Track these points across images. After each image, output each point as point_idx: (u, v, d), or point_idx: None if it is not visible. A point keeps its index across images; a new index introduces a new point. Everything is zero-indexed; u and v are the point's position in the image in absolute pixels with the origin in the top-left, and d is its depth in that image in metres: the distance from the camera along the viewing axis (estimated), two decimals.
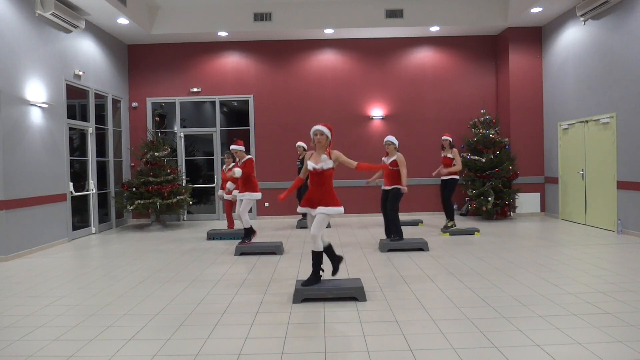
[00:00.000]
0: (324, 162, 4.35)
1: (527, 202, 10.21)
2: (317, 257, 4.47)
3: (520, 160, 10.16)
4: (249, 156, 6.89)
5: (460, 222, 9.34)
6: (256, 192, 6.82)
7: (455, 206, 10.83)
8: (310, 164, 4.41)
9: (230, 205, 8.42)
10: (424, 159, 10.72)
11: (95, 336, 3.57)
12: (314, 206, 4.41)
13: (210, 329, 3.68)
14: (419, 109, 10.78)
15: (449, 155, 7.88)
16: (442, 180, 8.01)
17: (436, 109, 10.77)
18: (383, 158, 7.15)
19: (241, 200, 6.84)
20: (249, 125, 10.81)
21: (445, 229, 7.94)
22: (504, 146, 9.74)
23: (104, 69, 9.61)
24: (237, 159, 7.06)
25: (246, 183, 6.80)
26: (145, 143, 9.60)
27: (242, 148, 7.00)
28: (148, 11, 9.82)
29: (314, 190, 4.42)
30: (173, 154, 10.66)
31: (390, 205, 6.79)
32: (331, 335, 3.48)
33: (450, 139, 7.98)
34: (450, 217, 7.98)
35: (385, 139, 6.92)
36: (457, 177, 7.88)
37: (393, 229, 6.76)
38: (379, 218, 10.38)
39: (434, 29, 10.11)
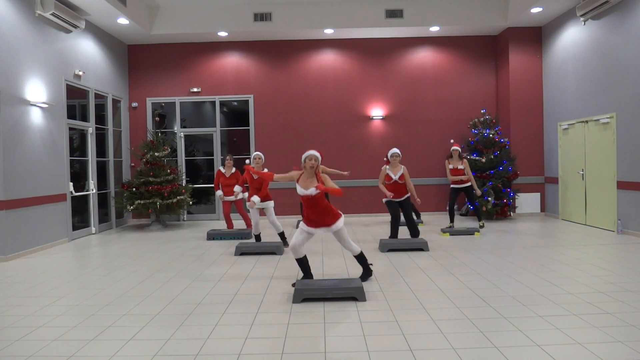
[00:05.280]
0: (312, 189, 4.63)
1: (527, 202, 10.21)
2: (362, 258, 4.95)
3: (520, 160, 10.16)
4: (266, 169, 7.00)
5: (460, 222, 9.35)
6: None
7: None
8: (301, 190, 4.64)
9: (229, 206, 8.41)
10: (423, 159, 10.72)
11: (95, 336, 3.57)
12: (317, 226, 4.71)
13: (210, 329, 3.68)
14: (419, 109, 10.77)
15: (460, 167, 7.99)
16: (457, 188, 8.10)
17: (436, 109, 10.76)
18: (387, 170, 6.94)
19: (262, 207, 6.91)
20: (249, 126, 10.81)
21: (480, 227, 8.19)
22: (504, 146, 9.74)
23: (104, 69, 9.61)
24: (255, 165, 6.90)
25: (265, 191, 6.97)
26: (145, 143, 9.59)
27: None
28: (148, 11, 9.82)
29: (311, 212, 4.69)
30: (173, 154, 10.65)
31: (410, 210, 7.00)
32: (331, 335, 3.48)
33: (460, 149, 8.05)
34: (480, 218, 8.36)
35: (395, 151, 6.90)
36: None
37: (415, 229, 7.06)
38: (380, 218, 10.38)
39: (434, 29, 10.11)
